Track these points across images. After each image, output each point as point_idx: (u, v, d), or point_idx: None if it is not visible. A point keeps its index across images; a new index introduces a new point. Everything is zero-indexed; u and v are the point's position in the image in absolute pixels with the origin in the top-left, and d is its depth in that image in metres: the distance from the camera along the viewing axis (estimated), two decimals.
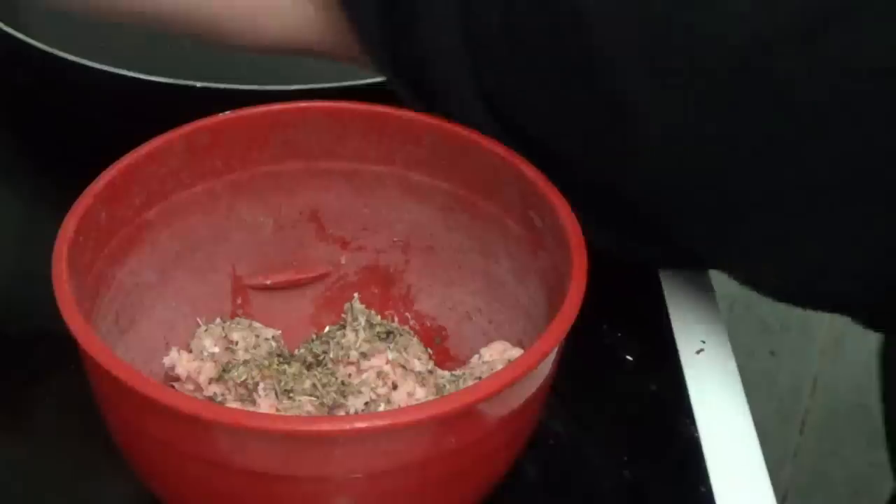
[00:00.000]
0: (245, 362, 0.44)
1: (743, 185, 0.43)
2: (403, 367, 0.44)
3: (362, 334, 0.45)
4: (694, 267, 0.54)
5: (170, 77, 0.57)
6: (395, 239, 0.50)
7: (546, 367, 0.39)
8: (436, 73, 0.46)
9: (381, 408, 0.43)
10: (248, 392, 0.43)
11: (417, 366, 0.44)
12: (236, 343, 0.45)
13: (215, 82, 0.56)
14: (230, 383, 0.43)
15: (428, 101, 0.47)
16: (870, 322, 0.47)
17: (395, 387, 0.43)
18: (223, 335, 0.45)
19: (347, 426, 0.35)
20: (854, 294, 0.45)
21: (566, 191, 0.44)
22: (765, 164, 0.42)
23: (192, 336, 0.46)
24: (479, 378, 0.43)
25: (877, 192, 0.41)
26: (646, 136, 0.43)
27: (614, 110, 0.43)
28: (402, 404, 0.43)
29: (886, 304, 0.45)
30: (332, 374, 0.44)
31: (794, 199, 0.43)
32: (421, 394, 0.43)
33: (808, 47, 0.40)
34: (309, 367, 0.45)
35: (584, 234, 0.42)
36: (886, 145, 0.40)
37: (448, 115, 0.47)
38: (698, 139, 0.43)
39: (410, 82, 0.47)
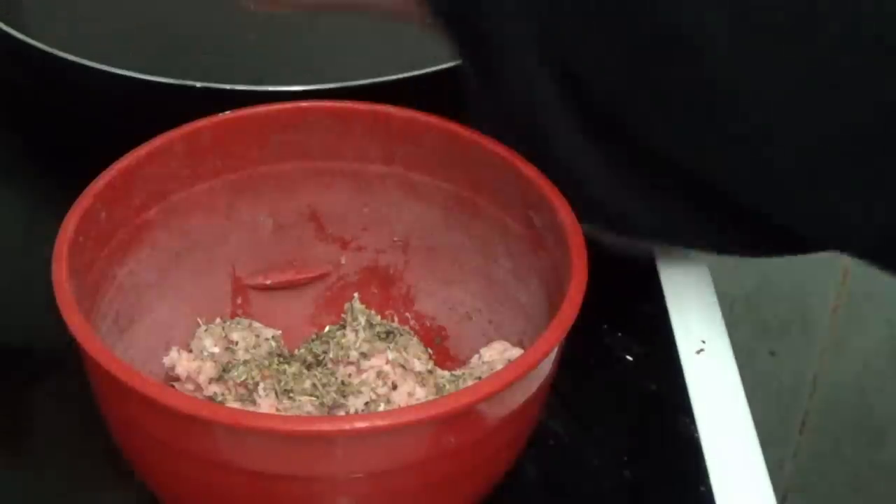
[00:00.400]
0: (245, 362, 0.44)
1: (823, 125, 0.41)
2: (403, 367, 0.44)
3: (362, 334, 0.45)
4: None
5: (170, 77, 0.57)
6: (395, 239, 0.50)
7: (546, 367, 0.39)
8: (490, 19, 0.45)
9: (381, 408, 0.43)
10: (249, 392, 0.43)
11: (417, 366, 0.44)
12: (236, 343, 0.45)
13: (215, 82, 0.56)
14: (230, 383, 0.43)
15: (479, 50, 0.46)
16: None
17: (395, 387, 0.43)
18: (223, 335, 0.45)
19: (347, 426, 0.35)
20: None
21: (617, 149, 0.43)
22: (841, 103, 0.41)
23: (192, 336, 0.46)
24: (479, 378, 0.43)
25: None
26: (713, 74, 0.41)
27: (675, 48, 0.42)
28: (402, 404, 0.43)
29: None
30: (332, 374, 0.44)
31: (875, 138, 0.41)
32: (421, 394, 0.43)
33: None
34: (309, 367, 0.45)
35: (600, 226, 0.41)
36: None
37: (500, 64, 0.45)
38: (767, 77, 0.41)
39: (464, 28, 0.46)
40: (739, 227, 0.47)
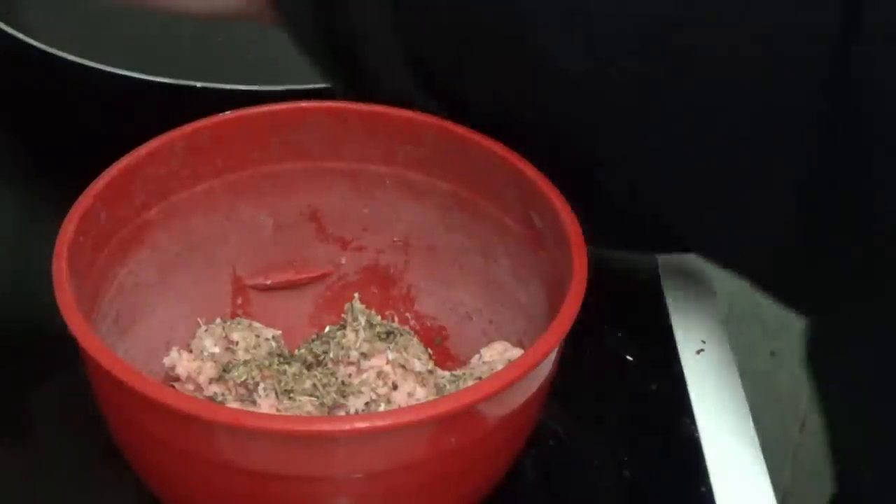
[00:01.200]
0: (245, 362, 0.44)
1: (667, 147, 0.44)
2: (403, 367, 0.44)
3: (362, 334, 0.45)
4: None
5: (170, 77, 0.57)
6: (395, 239, 0.50)
7: (546, 367, 0.39)
8: (364, 41, 0.46)
9: (382, 408, 0.43)
10: (249, 392, 0.43)
11: (417, 366, 0.44)
12: (236, 343, 0.45)
13: (215, 82, 0.56)
14: (230, 383, 0.43)
15: (352, 72, 0.47)
16: (786, 299, 0.48)
17: (395, 387, 0.43)
18: (223, 335, 0.45)
19: (347, 426, 0.35)
20: (766, 268, 0.46)
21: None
22: (683, 130, 0.43)
23: (193, 336, 0.46)
24: (480, 378, 0.43)
25: (779, 159, 0.42)
26: (576, 97, 0.44)
27: (542, 73, 0.43)
28: (402, 404, 0.43)
29: (797, 281, 0.45)
30: (333, 374, 0.44)
31: (711, 166, 0.44)
32: (421, 394, 0.43)
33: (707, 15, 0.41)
34: (309, 367, 0.45)
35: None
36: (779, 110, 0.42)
37: (375, 85, 0.47)
38: (627, 105, 0.43)
39: (334, 53, 0.47)
40: (612, 225, 0.48)
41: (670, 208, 0.46)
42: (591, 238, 0.43)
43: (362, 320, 0.46)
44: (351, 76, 0.47)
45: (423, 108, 0.46)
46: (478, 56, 0.45)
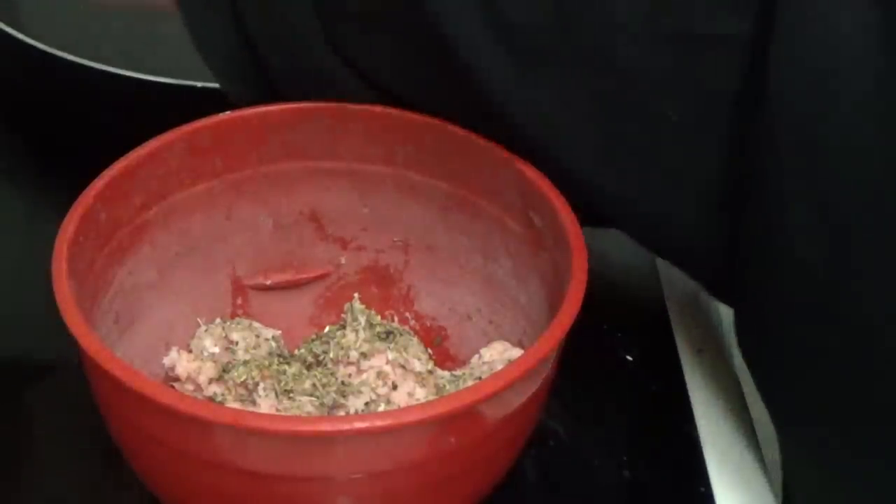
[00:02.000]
0: (245, 362, 0.44)
1: (583, 142, 0.44)
2: (403, 367, 0.44)
3: (362, 334, 0.45)
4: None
5: (170, 77, 0.57)
6: (395, 239, 0.50)
7: (546, 367, 0.39)
8: (283, 22, 0.46)
9: (381, 408, 0.43)
10: (248, 392, 0.43)
11: (417, 366, 0.44)
12: (236, 343, 0.45)
13: (215, 82, 0.56)
14: (230, 383, 0.43)
15: (258, 63, 0.47)
16: (712, 288, 0.48)
17: (395, 387, 0.43)
18: (223, 335, 0.45)
19: (347, 426, 0.35)
20: (692, 250, 0.46)
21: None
22: (598, 123, 0.43)
23: (192, 336, 0.46)
24: (479, 378, 0.43)
25: (702, 146, 0.42)
26: (487, 96, 0.44)
27: (453, 67, 0.44)
28: (402, 404, 0.43)
29: (722, 268, 0.45)
30: (332, 374, 0.44)
31: (628, 153, 0.44)
32: (421, 394, 0.43)
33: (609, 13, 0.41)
34: (309, 367, 0.45)
35: None
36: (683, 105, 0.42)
37: (297, 69, 0.47)
38: (535, 102, 0.43)
39: (250, 40, 0.47)
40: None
41: (591, 184, 0.45)
42: None
43: (362, 320, 0.46)
44: (256, 68, 0.47)
45: (345, 89, 0.47)
46: (391, 43, 0.45)
